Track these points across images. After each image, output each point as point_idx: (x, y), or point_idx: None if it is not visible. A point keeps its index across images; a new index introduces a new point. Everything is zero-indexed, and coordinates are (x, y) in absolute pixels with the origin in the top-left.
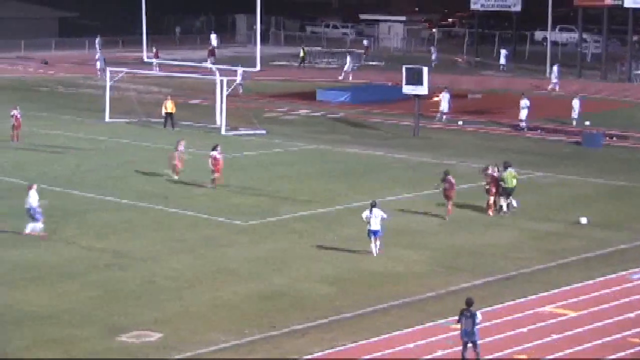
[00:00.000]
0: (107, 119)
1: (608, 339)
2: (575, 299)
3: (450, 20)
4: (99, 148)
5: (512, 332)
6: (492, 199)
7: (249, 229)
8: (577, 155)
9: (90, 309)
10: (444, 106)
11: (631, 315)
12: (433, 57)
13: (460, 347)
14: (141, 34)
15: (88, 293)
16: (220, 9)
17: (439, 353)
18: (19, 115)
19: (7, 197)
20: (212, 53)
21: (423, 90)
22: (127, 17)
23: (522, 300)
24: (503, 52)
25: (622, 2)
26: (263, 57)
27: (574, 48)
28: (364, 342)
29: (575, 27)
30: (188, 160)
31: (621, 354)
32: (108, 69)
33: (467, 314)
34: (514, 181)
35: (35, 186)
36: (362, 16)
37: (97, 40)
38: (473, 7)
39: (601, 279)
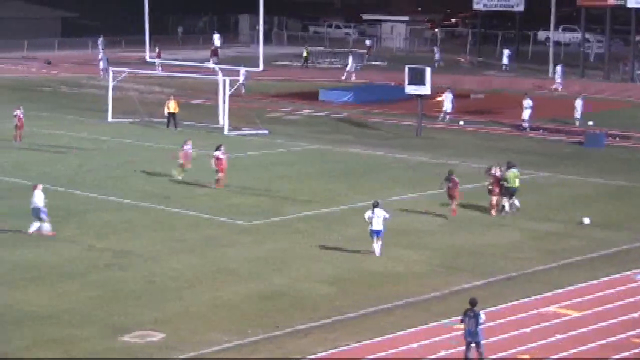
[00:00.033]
0: (109, 119)
1: (612, 339)
2: (578, 299)
3: (452, 20)
4: (101, 148)
5: (515, 332)
6: (494, 199)
7: (250, 229)
8: (579, 155)
9: (91, 309)
10: (447, 106)
11: (635, 315)
12: (436, 57)
13: (464, 347)
14: (144, 34)
15: (88, 293)
16: (223, 9)
17: (442, 353)
18: (21, 116)
19: (8, 197)
20: (214, 53)
21: (426, 90)
22: (130, 17)
23: (525, 300)
24: (506, 52)
25: (625, 2)
26: (266, 57)
27: (576, 48)
28: (367, 342)
29: (578, 27)
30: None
31: (625, 354)
32: (111, 69)
33: (470, 314)
34: (517, 181)
35: (40, 186)
36: (365, 16)
37: (100, 40)
38: (476, 7)
39: (604, 279)
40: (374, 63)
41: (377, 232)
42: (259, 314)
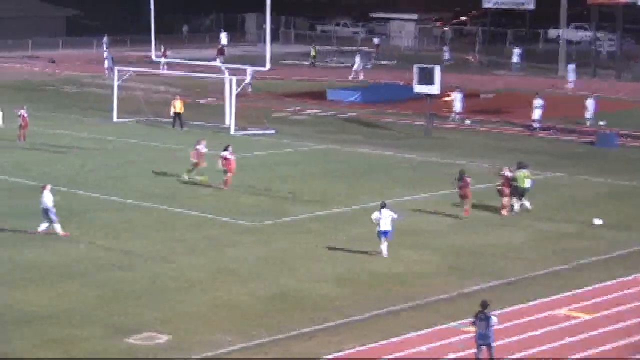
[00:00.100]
0: (115, 118)
1: (623, 342)
2: (589, 302)
3: (462, 18)
4: (105, 148)
5: (525, 335)
6: (506, 199)
7: (256, 229)
8: (591, 155)
9: (91, 309)
10: (457, 106)
11: None
12: (446, 56)
13: (473, 350)
14: (149, 33)
15: (89, 293)
16: (229, 8)
17: (451, 356)
18: (25, 115)
19: (8, 197)
20: (221, 52)
21: (435, 89)
22: (135, 16)
23: (536, 302)
24: (516, 50)
25: (637, 0)
26: (273, 56)
27: (587, 46)
28: (373, 345)
29: (589, 25)
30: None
31: (638, 357)
32: (116, 68)
33: (481, 316)
34: (527, 181)
35: (49, 186)
36: (373, 14)
37: (105, 39)
38: (485, 5)
39: (616, 280)
40: (382, 62)
41: (385, 233)
42: (264, 316)
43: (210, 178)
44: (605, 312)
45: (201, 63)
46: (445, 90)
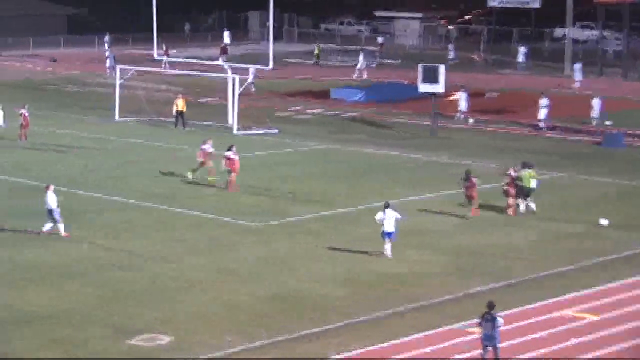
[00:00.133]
0: (116, 118)
1: (630, 343)
2: (596, 302)
3: (467, 17)
4: (106, 148)
5: (531, 336)
6: (511, 200)
7: (258, 230)
8: (597, 155)
9: (91, 309)
10: (462, 105)
11: None
12: (451, 55)
13: (478, 351)
14: (151, 31)
15: (90, 293)
16: (232, 6)
17: (456, 357)
18: (27, 114)
19: (8, 197)
20: (224, 51)
21: (439, 88)
22: (137, 14)
23: (542, 303)
24: (521, 49)
25: None
26: (276, 55)
27: (594, 45)
28: (377, 346)
29: (595, 24)
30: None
31: None
32: (118, 67)
33: (488, 317)
34: (532, 182)
35: (52, 187)
36: (378, 13)
37: (106, 37)
38: (491, 3)
39: (623, 281)
40: (386, 61)
41: (389, 234)
42: (265, 316)
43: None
44: (612, 313)
45: (204, 62)
46: (450, 89)
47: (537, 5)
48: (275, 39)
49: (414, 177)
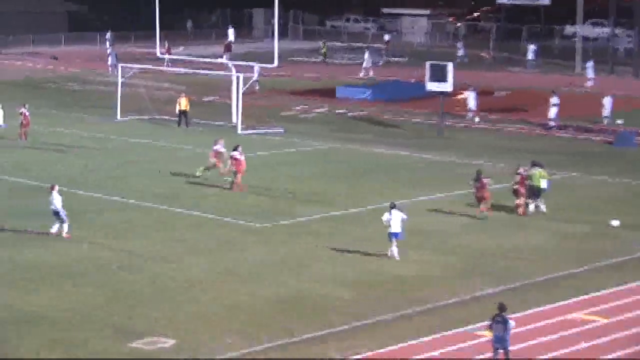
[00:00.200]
0: (118, 117)
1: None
2: (606, 305)
3: (475, 14)
4: (107, 147)
5: (540, 339)
6: (521, 199)
7: (263, 231)
8: (608, 155)
9: (91, 310)
10: (471, 104)
11: None
12: (460, 53)
13: (488, 354)
14: (154, 29)
15: (90, 294)
16: (236, 3)
17: None
18: (27, 113)
19: (8, 197)
20: (228, 48)
21: (447, 87)
22: (139, 11)
23: (551, 306)
24: (531, 47)
25: None
26: (281, 53)
27: (604, 43)
28: (384, 349)
29: (606, 21)
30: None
31: None
32: (120, 65)
33: (499, 319)
34: (543, 181)
35: (57, 187)
36: (385, 10)
37: (107, 35)
38: (500, 0)
39: (634, 284)
40: (393, 59)
41: (396, 235)
42: (268, 319)
43: (216, 177)
44: (622, 316)
45: (207, 60)
46: (458, 88)
47: (546, 2)
48: (280, 36)
49: (421, 177)
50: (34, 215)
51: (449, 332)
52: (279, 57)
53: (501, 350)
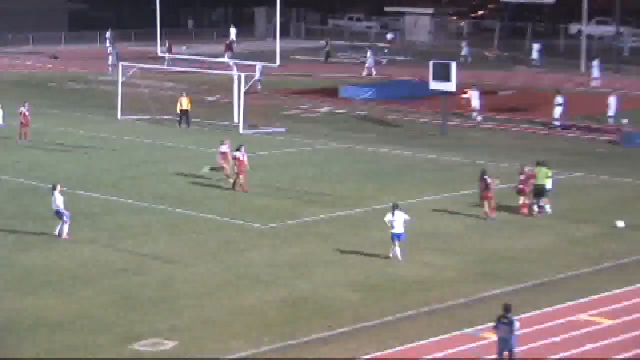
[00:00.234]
0: (119, 116)
1: None
2: (612, 307)
3: (479, 12)
4: (110, 147)
5: (545, 341)
6: (526, 199)
7: (268, 232)
8: (614, 154)
9: (104, 315)
10: (475, 104)
11: None
12: (464, 52)
13: (493, 356)
14: (153, 27)
15: (102, 298)
16: (238, 2)
17: None
18: (27, 113)
19: (11, 199)
20: (229, 47)
21: (451, 86)
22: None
23: (556, 307)
24: (535, 46)
25: None
26: (283, 52)
27: (610, 42)
28: (389, 351)
29: (611, 19)
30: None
31: None
32: (120, 64)
33: (504, 320)
34: (548, 181)
35: (59, 187)
36: (387, 8)
37: (108, 34)
38: None
39: (639, 285)
40: (397, 58)
41: (398, 236)
42: (276, 321)
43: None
44: (628, 318)
45: (208, 59)
46: (462, 87)
47: (551, 0)
48: (282, 35)
49: (424, 177)
50: (35, 216)
51: (455, 333)
52: (281, 56)
53: (506, 352)
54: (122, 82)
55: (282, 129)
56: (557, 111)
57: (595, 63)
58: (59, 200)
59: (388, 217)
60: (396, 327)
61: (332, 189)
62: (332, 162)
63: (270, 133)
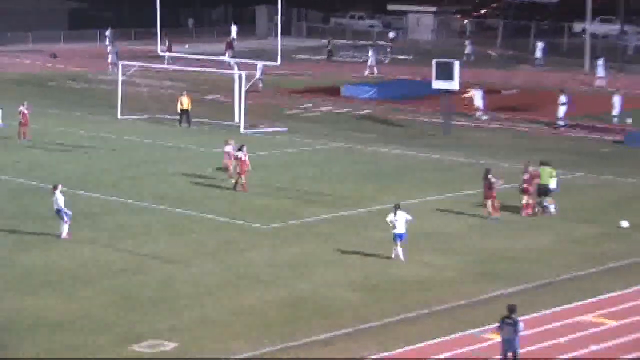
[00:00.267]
0: (119, 115)
1: None
2: (616, 307)
3: (482, 10)
4: (110, 147)
5: (549, 342)
6: (530, 199)
7: (270, 233)
8: (618, 154)
9: (105, 316)
10: (478, 103)
11: None
12: (467, 50)
13: (497, 357)
14: (155, 26)
15: (102, 299)
16: (238, 0)
17: None
18: (26, 112)
19: (11, 199)
20: (230, 46)
21: (454, 85)
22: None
23: (560, 308)
24: (539, 44)
25: None
26: (284, 51)
27: (614, 40)
28: (391, 352)
29: (615, 18)
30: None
31: None
32: (120, 63)
33: (508, 321)
34: (552, 181)
35: (60, 187)
36: (390, 7)
37: (107, 32)
38: None
39: None
40: (399, 57)
41: (400, 236)
42: (277, 322)
43: (221, 177)
44: (632, 319)
45: (209, 58)
46: (464, 86)
47: None
48: (284, 34)
49: (428, 177)
50: (35, 217)
51: (458, 335)
52: (283, 55)
53: (510, 353)
54: (122, 81)
55: (283, 129)
56: (561, 110)
57: (600, 62)
58: (60, 200)
59: (390, 217)
60: (398, 328)
61: (332, 189)
62: (333, 162)
63: (271, 133)
